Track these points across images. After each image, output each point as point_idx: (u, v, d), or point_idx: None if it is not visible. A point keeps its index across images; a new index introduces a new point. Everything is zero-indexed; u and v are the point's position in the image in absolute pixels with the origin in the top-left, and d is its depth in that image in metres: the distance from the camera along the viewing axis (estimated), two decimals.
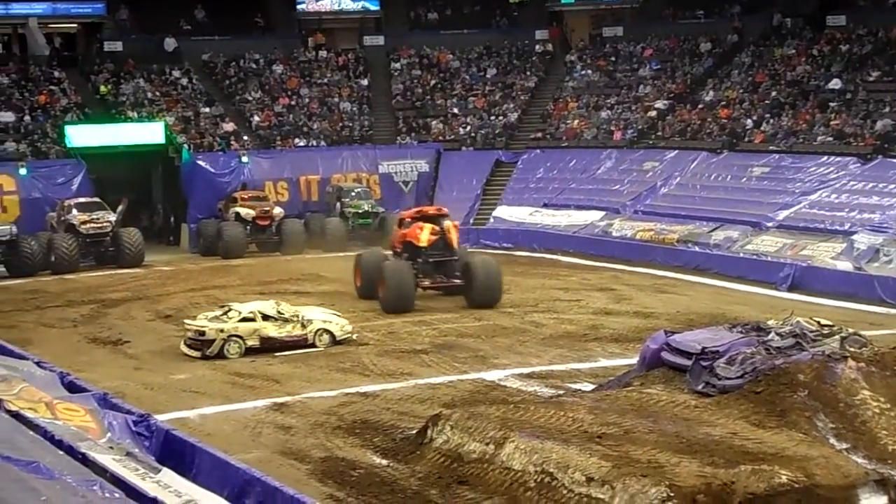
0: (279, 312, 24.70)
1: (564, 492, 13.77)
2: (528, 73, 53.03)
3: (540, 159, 47.03)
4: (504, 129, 49.43)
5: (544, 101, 51.32)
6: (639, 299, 30.30)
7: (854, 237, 32.27)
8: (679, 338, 19.04)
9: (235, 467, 12.02)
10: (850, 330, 19.17)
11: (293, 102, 50.31)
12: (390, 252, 31.93)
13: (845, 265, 31.47)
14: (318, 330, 24.77)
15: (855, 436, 15.39)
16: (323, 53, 53.50)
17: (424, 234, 30.54)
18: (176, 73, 50.07)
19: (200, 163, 44.22)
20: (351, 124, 49.62)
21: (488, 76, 52.93)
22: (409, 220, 31.88)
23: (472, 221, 45.02)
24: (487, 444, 15.26)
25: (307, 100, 50.64)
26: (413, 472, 15.49)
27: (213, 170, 44.25)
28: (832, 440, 15.34)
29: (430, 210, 33.70)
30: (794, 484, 13.42)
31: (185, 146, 44.99)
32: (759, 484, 13.32)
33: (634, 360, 20.31)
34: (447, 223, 31.18)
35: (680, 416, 16.21)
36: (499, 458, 14.88)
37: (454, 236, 30.83)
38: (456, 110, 50.76)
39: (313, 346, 24.59)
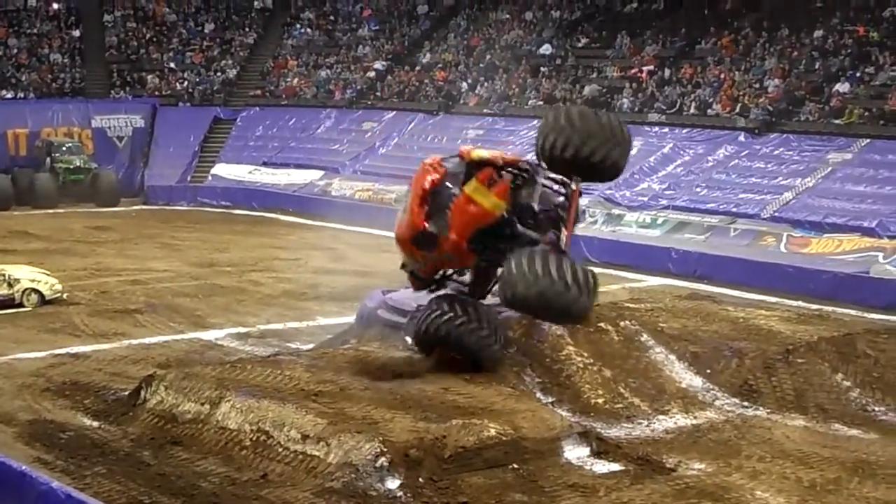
0: None
1: (280, 450, 13.81)
2: (247, 29, 52.42)
3: (259, 117, 46.68)
4: (222, 85, 48.79)
5: (263, 58, 50.89)
6: (357, 258, 30.54)
7: None
8: (396, 296, 19.32)
9: None
10: None
11: (0, 53, 48.10)
12: None
13: None
14: (26, 290, 23.85)
15: (560, 390, 16.09)
16: (33, 2, 51.24)
17: None
18: None
19: None
20: (62, 76, 47.88)
21: (206, 31, 52.03)
22: None
23: (189, 179, 44.34)
24: (202, 404, 15.12)
25: (15, 50, 48.48)
26: (125, 433, 15.20)
27: None
28: (539, 394, 15.98)
29: None
30: (502, 437, 13.88)
31: None
32: (469, 437, 13.71)
33: (352, 319, 20.53)
34: None
35: (396, 372, 16.49)
36: (214, 417, 14.77)
37: None
38: (173, 65, 49.70)
39: (21, 306, 23.68)
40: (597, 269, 28.00)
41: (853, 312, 22.95)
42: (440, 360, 16.52)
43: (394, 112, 43.76)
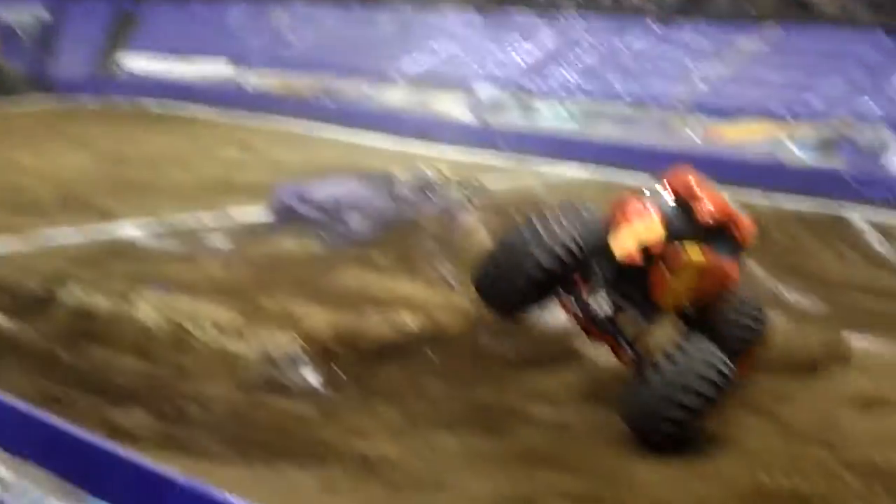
0: None
1: (197, 345, 13.80)
2: None
3: (169, 8, 45.59)
4: None
5: None
6: (271, 152, 30.26)
7: (476, 89, 33.38)
8: (310, 189, 19.29)
9: None
10: (473, 179, 20.06)
11: None
12: None
13: (468, 116, 32.61)
14: None
15: None
16: None
17: None
18: None
19: None
20: None
21: None
22: None
23: (98, 73, 43.43)
24: (117, 300, 15.02)
25: None
26: (38, 330, 15.05)
27: None
28: (454, 284, 16.07)
29: None
30: (419, 327, 14.02)
31: None
32: (386, 329, 13.82)
33: (266, 213, 20.41)
34: None
35: (311, 266, 16.50)
36: (129, 313, 14.69)
37: None
38: None
39: None
40: (512, 161, 28.52)
41: (763, 199, 23.25)
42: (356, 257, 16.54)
43: (308, 1, 43.07)
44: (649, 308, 11.59)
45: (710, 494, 10.49)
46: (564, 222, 11.58)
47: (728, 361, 11.15)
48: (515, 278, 11.63)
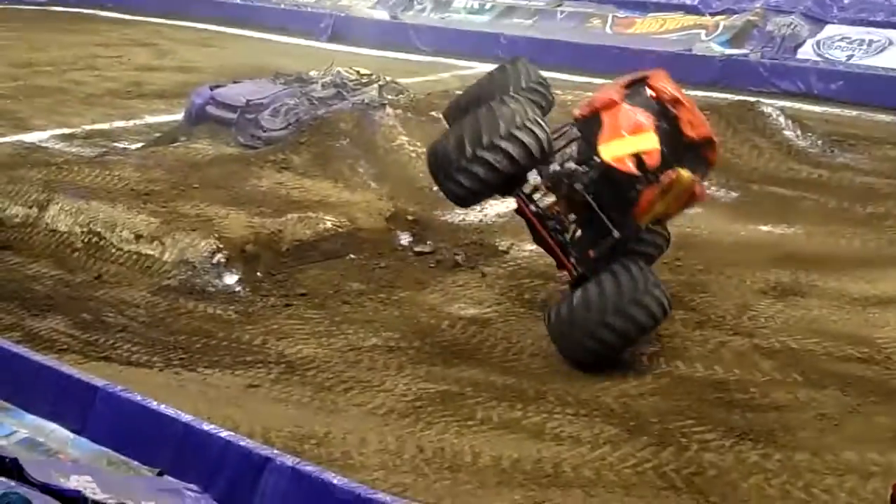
0: None
1: (113, 250, 13.69)
2: None
3: None
4: None
5: None
6: (182, 54, 29.81)
7: None
8: (224, 91, 19.07)
9: None
10: (388, 78, 19.94)
11: None
12: None
13: (382, 14, 32.30)
14: None
15: (394, 180, 16.18)
16: None
17: None
18: None
19: None
20: None
21: None
22: None
23: None
24: (30, 207, 14.81)
25: None
26: None
27: None
28: (373, 185, 16.07)
29: None
30: (338, 228, 14.03)
31: None
32: (306, 230, 13.82)
33: (180, 116, 20.16)
34: None
35: (227, 169, 16.37)
36: (43, 220, 14.50)
37: None
38: None
39: None
40: (427, 59, 28.39)
41: None
42: (273, 158, 16.43)
43: None
44: (624, 223, 11.11)
45: (628, 384, 10.69)
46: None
47: (668, 296, 10.98)
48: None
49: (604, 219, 11.03)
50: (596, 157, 11.01)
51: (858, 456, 9.33)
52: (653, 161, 10.79)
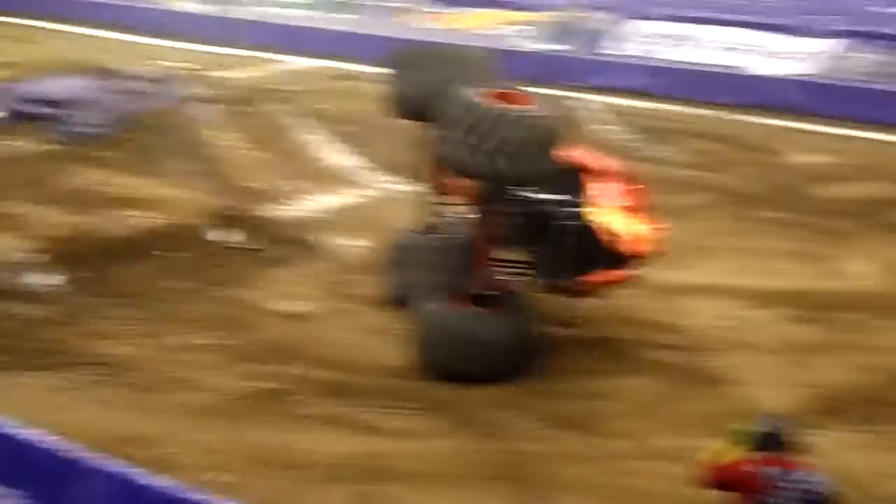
0: None
1: None
2: None
3: None
4: None
5: None
6: (4, 50, 28.93)
7: None
8: (41, 87, 18.72)
9: None
10: (209, 72, 19.81)
11: None
12: None
13: (206, 10, 32.01)
14: None
15: (210, 175, 16.05)
16: None
17: None
18: None
19: None
20: None
21: None
22: None
23: None
24: None
25: None
26: None
27: None
28: (192, 180, 15.91)
29: None
30: (157, 225, 13.90)
31: None
32: (123, 228, 13.67)
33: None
34: None
35: (44, 166, 16.05)
36: None
37: None
38: None
39: None
40: (248, 52, 28.16)
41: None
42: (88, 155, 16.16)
43: None
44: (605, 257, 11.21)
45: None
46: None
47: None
48: None
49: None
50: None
51: (670, 441, 9.67)
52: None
